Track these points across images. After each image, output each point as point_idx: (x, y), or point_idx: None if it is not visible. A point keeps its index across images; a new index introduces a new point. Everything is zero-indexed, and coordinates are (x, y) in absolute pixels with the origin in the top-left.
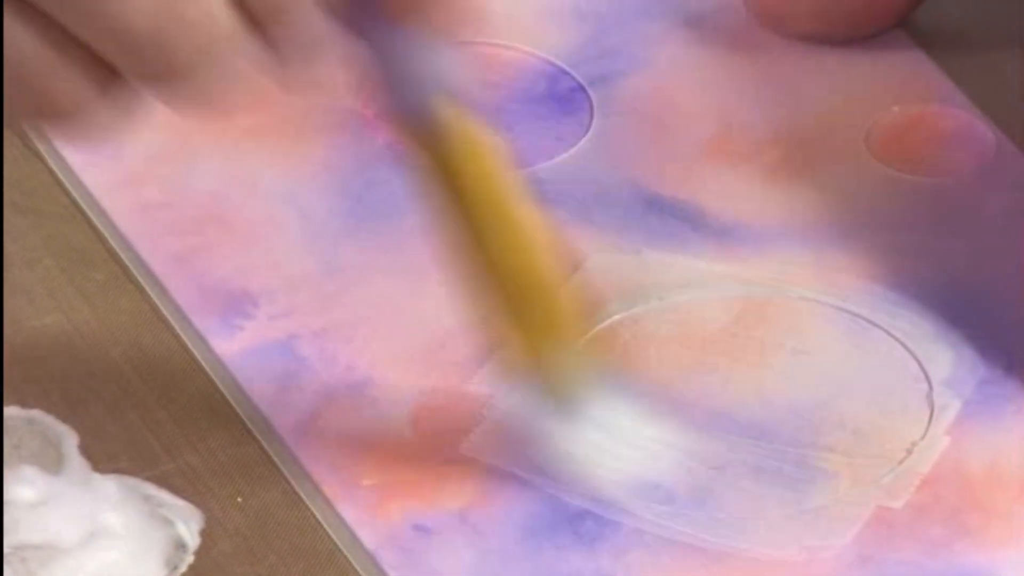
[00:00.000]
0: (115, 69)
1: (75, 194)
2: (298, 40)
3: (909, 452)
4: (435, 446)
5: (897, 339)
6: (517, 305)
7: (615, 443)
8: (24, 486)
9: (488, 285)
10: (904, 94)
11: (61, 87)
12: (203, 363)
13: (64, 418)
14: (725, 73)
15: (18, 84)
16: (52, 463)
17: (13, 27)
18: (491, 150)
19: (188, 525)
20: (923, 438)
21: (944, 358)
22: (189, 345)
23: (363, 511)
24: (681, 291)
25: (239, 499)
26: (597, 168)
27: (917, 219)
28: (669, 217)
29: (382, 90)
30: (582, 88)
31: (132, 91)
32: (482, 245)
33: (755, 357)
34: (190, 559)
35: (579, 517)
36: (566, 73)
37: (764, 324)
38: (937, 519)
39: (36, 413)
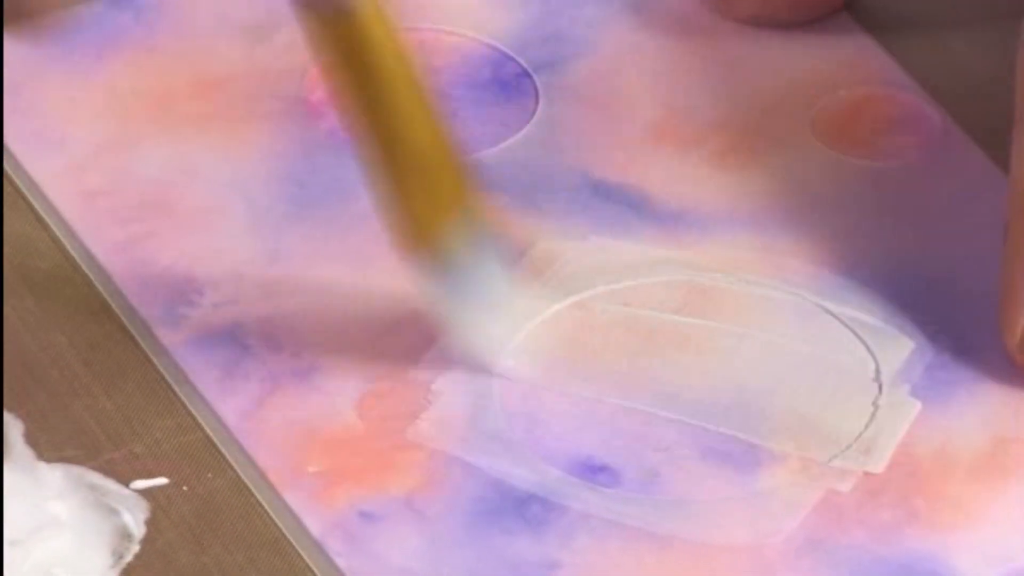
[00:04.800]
0: None
1: (18, 182)
2: None
3: (857, 436)
4: (381, 432)
5: (844, 324)
6: (414, 173)
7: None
8: None
9: (385, 156)
10: (850, 78)
11: None
12: (148, 351)
13: (8, 407)
14: (671, 58)
15: None
16: None
17: None
18: (389, 25)
19: (134, 514)
20: (870, 422)
21: (892, 343)
22: (134, 334)
23: (309, 498)
24: (627, 277)
25: (184, 488)
26: (542, 154)
27: (864, 203)
28: (615, 203)
29: None
30: (527, 74)
31: None
32: (379, 113)
33: (702, 342)
34: (136, 548)
35: (525, 502)
36: (511, 59)
37: (711, 309)
38: (886, 504)
39: None
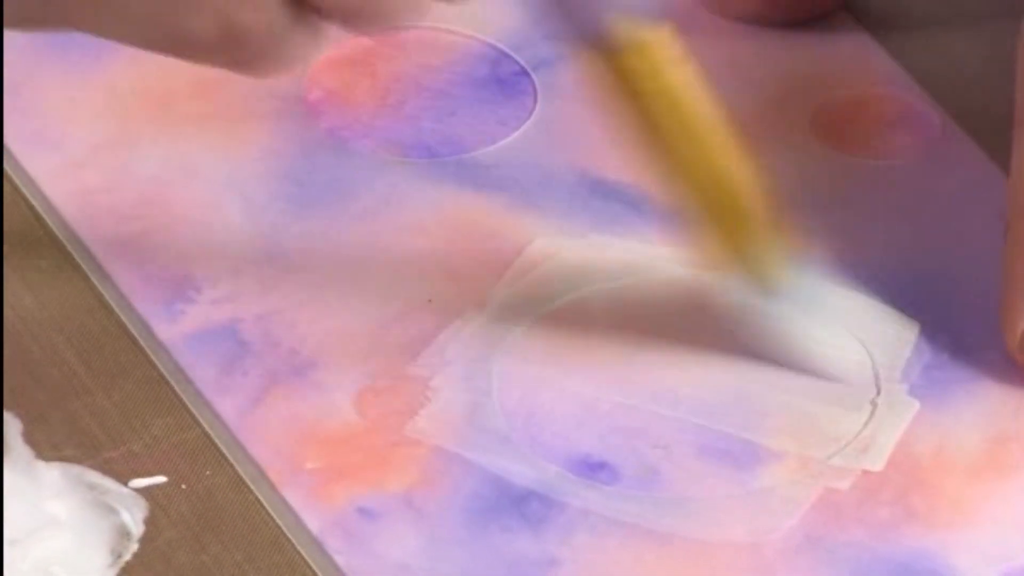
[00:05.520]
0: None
1: (17, 181)
2: None
3: (855, 435)
4: (379, 429)
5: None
6: (715, 203)
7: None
8: None
9: (685, 189)
10: (849, 76)
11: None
12: (146, 349)
13: (7, 406)
14: None
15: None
16: None
17: None
18: (671, 59)
19: (132, 513)
20: (869, 421)
21: (890, 342)
22: (132, 331)
23: (307, 495)
24: (626, 274)
25: (183, 486)
26: (541, 152)
27: (863, 201)
28: (614, 201)
29: (557, 13)
30: (525, 72)
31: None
32: (675, 152)
33: (701, 339)
34: (134, 547)
35: (524, 499)
36: (509, 57)
37: (709, 307)
38: (884, 502)
39: None
